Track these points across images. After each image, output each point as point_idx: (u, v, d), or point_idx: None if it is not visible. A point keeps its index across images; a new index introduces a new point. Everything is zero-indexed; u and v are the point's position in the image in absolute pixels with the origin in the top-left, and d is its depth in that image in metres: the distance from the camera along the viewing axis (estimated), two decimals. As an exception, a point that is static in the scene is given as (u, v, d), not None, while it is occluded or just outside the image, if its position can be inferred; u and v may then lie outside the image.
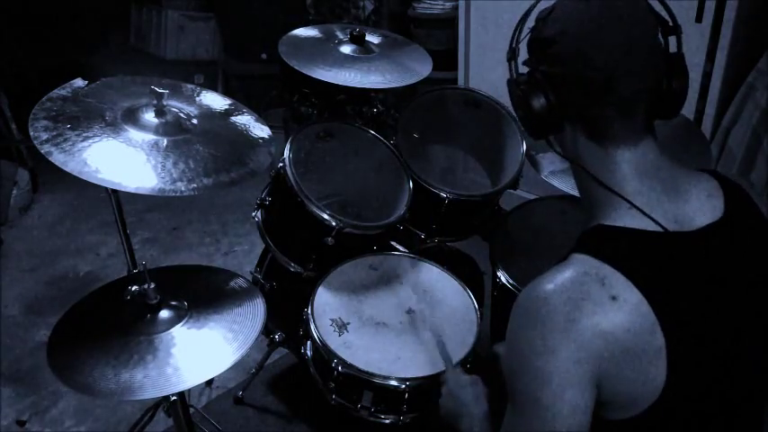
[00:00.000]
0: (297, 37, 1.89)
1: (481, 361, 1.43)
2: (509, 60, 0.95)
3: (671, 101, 0.90)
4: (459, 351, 1.40)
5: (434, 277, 1.63)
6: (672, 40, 0.91)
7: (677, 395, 0.82)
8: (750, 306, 0.90)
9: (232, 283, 1.44)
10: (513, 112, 1.90)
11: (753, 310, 0.90)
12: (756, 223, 0.94)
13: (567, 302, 0.80)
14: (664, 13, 0.92)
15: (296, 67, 1.71)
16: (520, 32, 0.95)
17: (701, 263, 0.87)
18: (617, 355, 0.79)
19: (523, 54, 0.95)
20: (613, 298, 0.80)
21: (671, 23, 0.91)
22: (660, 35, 0.90)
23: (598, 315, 0.79)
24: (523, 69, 0.95)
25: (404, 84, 1.79)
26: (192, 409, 1.69)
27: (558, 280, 0.83)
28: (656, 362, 0.80)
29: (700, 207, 0.89)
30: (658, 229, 0.85)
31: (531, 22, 0.93)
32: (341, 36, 1.90)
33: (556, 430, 0.81)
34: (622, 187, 0.88)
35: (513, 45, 0.95)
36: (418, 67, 1.87)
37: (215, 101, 1.50)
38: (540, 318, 0.81)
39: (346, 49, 1.84)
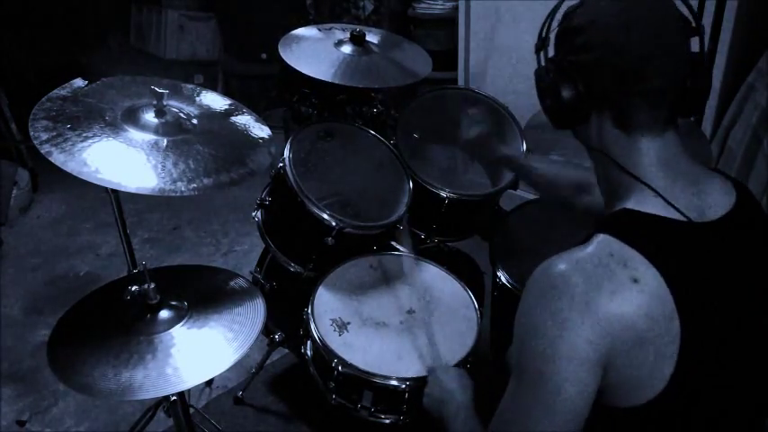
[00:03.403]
0: (297, 37, 1.90)
1: (481, 361, 1.43)
2: (537, 51, 0.97)
3: (693, 99, 0.91)
4: (459, 351, 1.40)
5: (434, 277, 1.63)
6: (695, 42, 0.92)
7: (685, 386, 0.82)
8: (763, 298, 0.91)
9: (232, 283, 1.44)
10: (512, 112, 1.92)
11: (765, 302, 0.91)
12: (763, 220, 0.96)
13: (587, 281, 0.80)
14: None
15: (296, 67, 1.72)
16: (550, 24, 0.96)
17: (722, 254, 0.88)
18: (630, 339, 0.79)
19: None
20: (635, 280, 0.79)
21: (693, 24, 0.91)
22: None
23: (617, 296, 0.79)
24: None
25: (403, 83, 1.79)
26: (191, 409, 1.69)
27: (580, 257, 0.82)
28: (669, 350, 0.80)
29: (718, 201, 0.90)
30: (682, 218, 0.85)
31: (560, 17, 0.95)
32: (341, 36, 1.91)
33: (555, 407, 0.80)
34: (647, 175, 0.88)
35: (543, 35, 0.96)
36: (418, 67, 1.87)
37: (215, 101, 1.50)
38: (557, 293, 0.81)
39: (346, 48, 1.85)
